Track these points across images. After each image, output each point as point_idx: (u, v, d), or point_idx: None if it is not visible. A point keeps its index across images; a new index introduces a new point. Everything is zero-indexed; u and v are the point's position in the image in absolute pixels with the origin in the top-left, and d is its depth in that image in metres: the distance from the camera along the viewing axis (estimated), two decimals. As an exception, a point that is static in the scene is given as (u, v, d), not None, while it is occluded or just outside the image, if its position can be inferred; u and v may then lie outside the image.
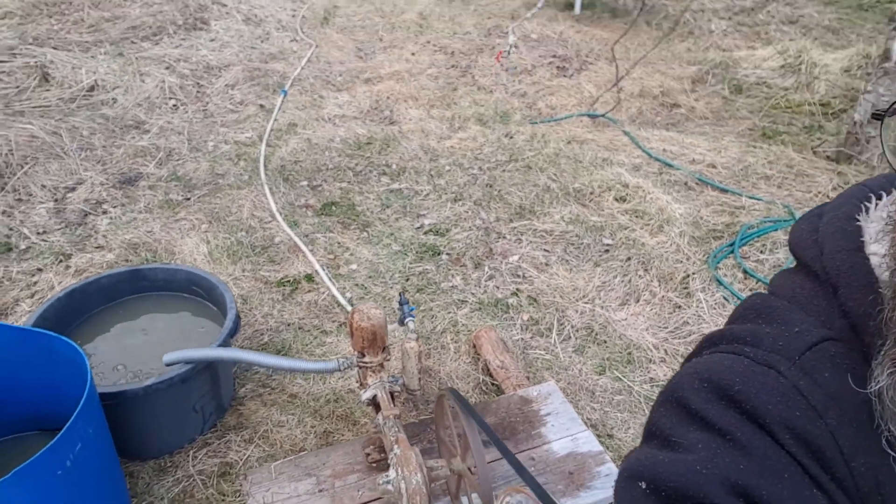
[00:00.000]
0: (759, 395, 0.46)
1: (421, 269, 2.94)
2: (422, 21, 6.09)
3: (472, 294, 2.80)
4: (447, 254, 3.03)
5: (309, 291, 2.82)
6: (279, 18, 5.84)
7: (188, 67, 4.72)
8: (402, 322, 1.89)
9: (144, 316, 2.34)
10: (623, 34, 5.63)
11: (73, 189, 3.52)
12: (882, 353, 0.44)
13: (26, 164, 3.60)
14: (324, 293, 2.79)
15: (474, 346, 2.52)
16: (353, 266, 2.96)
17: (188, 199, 3.40)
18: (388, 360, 1.84)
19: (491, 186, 3.54)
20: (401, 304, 1.86)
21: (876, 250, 0.48)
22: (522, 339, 2.58)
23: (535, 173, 3.64)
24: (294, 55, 5.14)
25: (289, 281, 2.87)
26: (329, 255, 3.04)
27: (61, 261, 2.99)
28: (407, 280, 2.89)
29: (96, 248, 3.07)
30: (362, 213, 3.32)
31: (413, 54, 5.32)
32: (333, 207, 3.37)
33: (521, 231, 3.18)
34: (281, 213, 3.28)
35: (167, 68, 4.64)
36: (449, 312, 2.70)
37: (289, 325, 2.64)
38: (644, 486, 0.47)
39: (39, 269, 2.98)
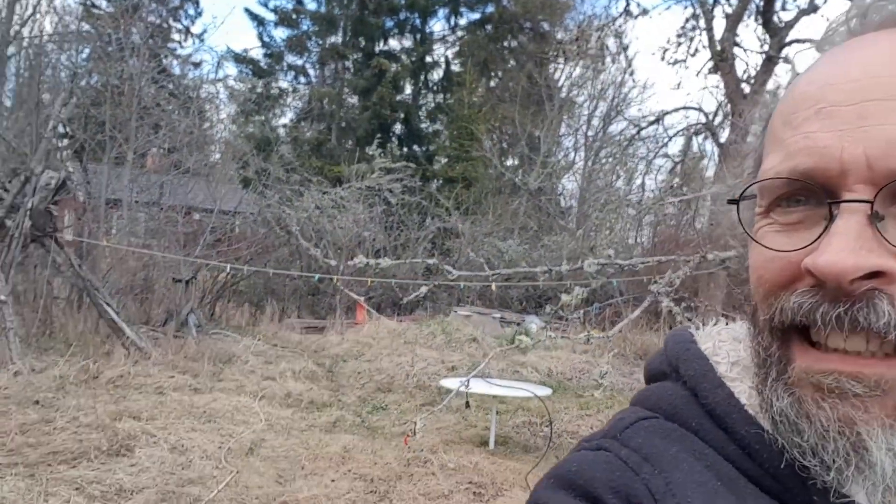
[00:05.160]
0: (589, 470, 0.59)
1: None
2: (344, 453, 6.35)
3: None
4: None
5: None
6: (205, 449, 6.00)
7: (99, 489, 4.64)
8: None
9: None
10: (534, 466, 5.98)
11: None
12: (768, 384, 0.56)
13: None
14: None
15: None
16: None
17: None
18: None
19: None
20: None
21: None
22: None
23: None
24: (213, 479, 5.16)
25: None
26: None
27: None
28: None
29: None
30: None
31: (333, 481, 5.41)
32: None
33: None
34: None
35: (77, 489, 4.55)
36: None
37: None
38: None
39: None
